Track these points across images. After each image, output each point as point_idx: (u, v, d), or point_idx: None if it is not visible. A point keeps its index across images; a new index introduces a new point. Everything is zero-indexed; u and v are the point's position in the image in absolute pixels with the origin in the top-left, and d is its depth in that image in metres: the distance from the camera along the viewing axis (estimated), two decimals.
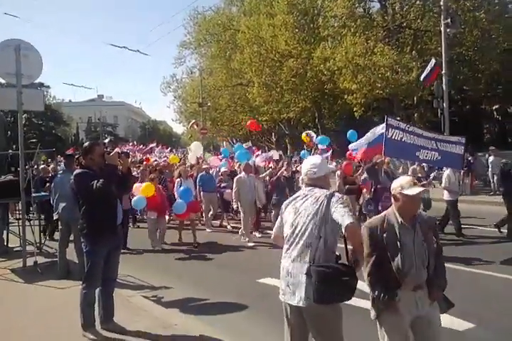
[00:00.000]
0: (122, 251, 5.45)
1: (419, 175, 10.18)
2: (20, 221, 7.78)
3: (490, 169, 15.03)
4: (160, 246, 8.52)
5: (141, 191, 8.29)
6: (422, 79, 16.15)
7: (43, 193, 8.17)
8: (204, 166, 11.10)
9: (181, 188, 8.75)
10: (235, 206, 9.47)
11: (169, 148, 26.04)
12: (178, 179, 9.30)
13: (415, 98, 22.65)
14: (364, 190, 9.14)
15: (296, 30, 22.30)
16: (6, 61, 6.66)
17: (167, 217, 9.96)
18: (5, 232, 8.22)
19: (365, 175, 8.76)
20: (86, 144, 4.59)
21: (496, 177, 14.30)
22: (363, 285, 2.93)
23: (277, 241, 3.31)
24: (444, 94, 16.28)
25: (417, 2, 20.82)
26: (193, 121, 31.28)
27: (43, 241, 8.20)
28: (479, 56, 21.38)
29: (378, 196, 7.54)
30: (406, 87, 19.29)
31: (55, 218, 7.46)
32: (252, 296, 5.59)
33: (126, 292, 5.84)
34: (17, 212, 10.11)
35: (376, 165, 7.99)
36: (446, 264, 3.02)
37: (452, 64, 20.71)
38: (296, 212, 3.03)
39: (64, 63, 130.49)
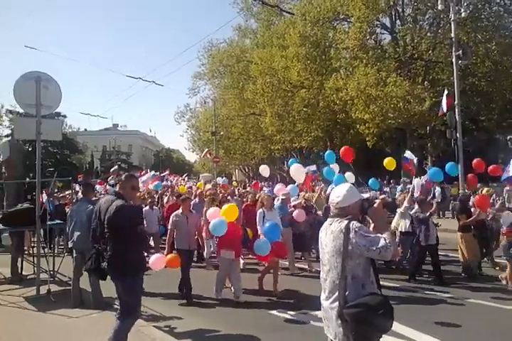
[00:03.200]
0: None
1: None
2: (34, 249, 7.81)
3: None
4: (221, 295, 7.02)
5: (224, 212, 6.83)
6: (443, 112, 16.19)
7: (57, 221, 8.23)
8: (281, 196, 8.98)
9: (267, 224, 6.98)
10: None
11: (185, 175, 26.17)
12: (261, 210, 7.67)
13: (428, 128, 22.67)
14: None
15: (308, 61, 22.72)
16: (26, 92, 6.88)
17: (241, 261, 8.55)
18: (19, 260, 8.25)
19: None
20: (125, 174, 4.54)
21: None
22: None
23: None
24: (457, 124, 16.28)
25: (428, 34, 21.21)
26: (206, 150, 31.68)
27: (56, 269, 8.18)
28: (492, 86, 21.46)
29: None
30: (419, 117, 19.35)
31: (69, 246, 7.49)
32: (264, 328, 5.48)
33: (138, 322, 5.74)
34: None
35: None
36: None
37: (465, 94, 20.84)
38: (322, 246, 2.98)
39: (80, 93, 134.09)
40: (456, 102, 16.43)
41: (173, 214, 7.26)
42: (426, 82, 20.81)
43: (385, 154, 26.75)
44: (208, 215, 7.44)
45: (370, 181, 11.15)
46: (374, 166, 11.44)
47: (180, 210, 7.25)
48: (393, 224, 8.55)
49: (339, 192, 2.98)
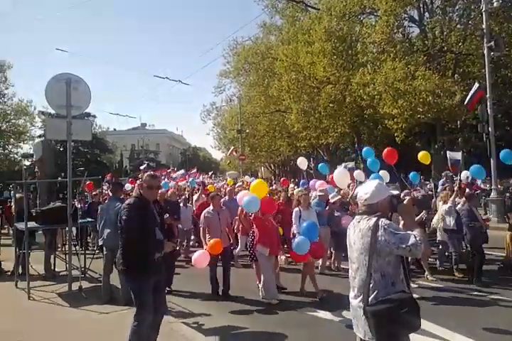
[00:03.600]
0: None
1: None
2: (66, 246, 8.02)
3: None
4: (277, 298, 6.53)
5: (252, 189, 6.87)
6: (465, 104, 15.78)
7: (88, 219, 8.42)
8: (319, 193, 8.81)
9: (305, 223, 6.65)
10: None
11: (211, 173, 26.37)
12: (297, 209, 7.31)
13: (459, 122, 22.06)
14: None
15: (334, 56, 22.42)
16: (57, 94, 7.05)
17: (283, 257, 8.59)
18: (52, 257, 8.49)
19: None
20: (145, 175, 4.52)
21: None
22: None
23: None
24: (489, 117, 15.78)
25: (458, 26, 20.60)
26: (232, 147, 31.80)
27: (87, 266, 8.38)
28: None
29: None
30: (449, 111, 18.83)
31: (100, 244, 7.64)
32: (291, 326, 5.45)
33: (167, 318, 5.82)
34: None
35: None
36: None
37: (497, 87, 20.16)
38: (350, 244, 2.94)
39: (109, 93, 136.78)
40: (488, 95, 15.91)
41: (204, 212, 7.30)
42: (456, 75, 20.25)
43: (414, 149, 26.31)
44: (238, 198, 7.53)
45: (412, 174, 10.99)
46: (403, 162, 11.20)
47: (211, 207, 7.28)
48: (434, 221, 8.23)
49: (367, 189, 2.92)
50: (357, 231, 2.83)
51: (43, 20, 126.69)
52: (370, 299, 2.69)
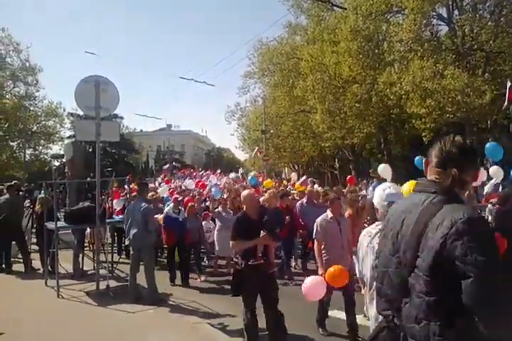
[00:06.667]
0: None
1: None
2: (94, 245, 8.15)
3: None
4: None
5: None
6: (505, 104, 15.25)
7: (116, 219, 8.55)
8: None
9: None
10: None
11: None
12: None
13: (489, 122, 21.46)
14: None
15: (360, 56, 22.14)
16: (86, 95, 7.17)
17: None
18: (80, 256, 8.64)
19: None
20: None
21: None
22: None
23: (360, 283, 3.09)
24: None
25: (489, 23, 20.03)
26: (257, 148, 31.78)
27: (115, 266, 8.51)
28: None
29: None
30: (479, 110, 18.33)
31: (126, 243, 7.75)
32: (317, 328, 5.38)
33: (193, 319, 5.87)
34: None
35: None
36: None
37: None
38: (375, 253, 2.69)
39: (136, 95, 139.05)
40: None
41: (319, 219, 5.53)
42: (486, 74, 19.66)
43: None
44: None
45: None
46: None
47: (328, 213, 5.56)
48: None
49: (393, 194, 2.92)
50: None
51: (63, 20, 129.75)
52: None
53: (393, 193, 2.87)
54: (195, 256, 8.96)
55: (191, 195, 11.93)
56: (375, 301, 2.73)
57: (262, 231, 4.55)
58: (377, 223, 2.86)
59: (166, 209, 8.94)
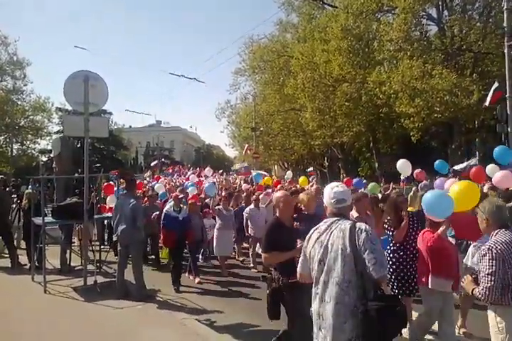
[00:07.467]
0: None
1: None
2: (81, 241, 8.11)
3: None
4: None
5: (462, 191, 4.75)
6: (486, 103, 15.46)
7: (105, 215, 8.51)
8: None
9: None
10: None
11: (221, 171, 26.42)
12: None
13: (476, 122, 21.72)
14: None
15: (351, 54, 22.22)
16: (75, 91, 7.10)
17: None
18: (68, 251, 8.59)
19: None
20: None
21: None
22: None
23: (304, 279, 3.06)
24: (508, 117, 15.48)
25: (478, 24, 20.25)
26: (246, 146, 31.80)
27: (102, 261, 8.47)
28: None
29: None
30: (466, 110, 18.53)
31: (114, 239, 7.72)
32: None
33: (180, 315, 5.89)
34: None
35: None
36: None
37: None
38: (323, 247, 2.82)
39: (124, 91, 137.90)
40: (507, 95, 15.57)
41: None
42: (475, 74, 19.84)
43: (430, 149, 26.00)
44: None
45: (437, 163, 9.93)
46: (418, 162, 11.02)
47: (353, 212, 5.27)
48: None
49: (342, 191, 2.96)
50: (337, 231, 2.86)
51: (62, 19, 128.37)
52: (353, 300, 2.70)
53: (341, 191, 2.93)
54: (193, 256, 8.24)
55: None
56: (318, 295, 2.81)
57: (298, 241, 3.89)
58: (325, 220, 2.95)
59: (167, 207, 8.29)
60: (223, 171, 28.19)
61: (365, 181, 13.84)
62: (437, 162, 9.64)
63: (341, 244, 2.69)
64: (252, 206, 9.24)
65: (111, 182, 12.03)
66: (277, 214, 4.17)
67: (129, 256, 6.89)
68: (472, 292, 3.13)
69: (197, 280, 7.88)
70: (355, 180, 11.99)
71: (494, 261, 2.94)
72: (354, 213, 5.22)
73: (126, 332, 5.16)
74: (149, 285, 7.04)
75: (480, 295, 3.02)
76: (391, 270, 4.89)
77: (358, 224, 2.76)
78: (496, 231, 3.13)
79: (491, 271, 2.94)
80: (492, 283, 2.93)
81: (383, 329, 2.54)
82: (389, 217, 5.15)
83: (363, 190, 9.77)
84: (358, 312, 2.58)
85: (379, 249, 2.68)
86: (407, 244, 4.95)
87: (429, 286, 4.38)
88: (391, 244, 5.07)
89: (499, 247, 2.97)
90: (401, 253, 4.93)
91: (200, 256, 9.39)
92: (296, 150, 34.04)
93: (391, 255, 4.99)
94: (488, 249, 3.01)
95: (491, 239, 3.11)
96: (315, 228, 2.96)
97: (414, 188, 9.62)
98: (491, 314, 3.11)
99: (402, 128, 21.84)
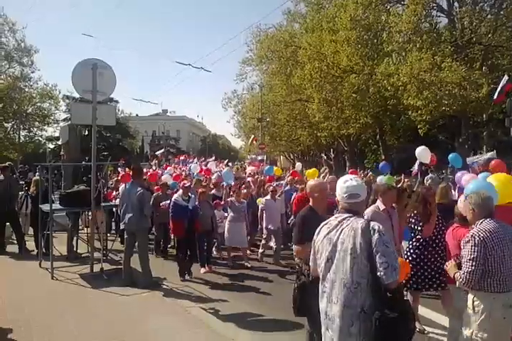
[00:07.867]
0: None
1: None
2: (88, 228, 8.20)
3: None
4: None
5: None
6: (494, 97, 15.33)
7: (111, 203, 8.58)
8: None
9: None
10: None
11: (226, 161, 26.41)
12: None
13: (485, 116, 21.54)
14: None
15: (359, 45, 22.01)
16: (83, 79, 7.13)
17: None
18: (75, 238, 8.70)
19: None
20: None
21: None
22: None
23: (316, 274, 2.90)
24: None
25: (489, 16, 19.97)
26: (253, 136, 31.77)
27: (109, 248, 8.58)
28: None
29: None
30: (475, 104, 18.38)
31: (121, 227, 7.80)
32: None
33: (186, 303, 5.97)
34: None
35: None
36: None
37: None
38: (332, 245, 2.69)
39: (131, 79, 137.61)
40: None
41: (368, 211, 4.92)
42: (484, 68, 19.64)
43: (437, 142, 25.84)
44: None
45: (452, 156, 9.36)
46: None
47: (379, 205, 5.10)
48: None
49: (356, 185, 2.79)
50: (347, 229, 2.76)
51: (70, 6, 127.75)
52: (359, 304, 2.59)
53: (354, 185, 2.74)
54: (206, 246, 8.16)
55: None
56: (326, 294, 2.72)
57: None
58: (336, 215, 2.81)
59: (175, 196, 8.09)
60: (228, 161, 28.23)
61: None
62: (451, 155, 9.41)
63: (351, 244, 2.56)
64: (268, 197, 9.09)
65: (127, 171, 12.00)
66: (310, 204, 3.98)
67: (135, 243, 6.97)
68: (454, 276, 3.29)
69: (203, 270, 7.86)
70: (381, 164, 11.70)
71: (476, 248, 3.09)
72: (380, 205, 5.04)
73: (131, 319, 5.25)
74: (156, 273, 7.14)
75: (461, 279, 3.16)
76: (414, 263, 4.82)
77: (371, 224, 2.59)
78: (481, 221, 3.26)
79: (472, 256, 3.10)
80: (473, 267, 3.08)
81: (395, 337, 2.48)
82: (415, 211, 5.05)
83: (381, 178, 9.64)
84: (367, 317, 2.49)
85: (392, 251, 2.53)
86: (430, 239, 4.90)
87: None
88: (414, 239, 5.00)
89: (482, 235, 3.12)
90: (427, 248, 4.88)
91: (214, 248, 9.19)
92: (302, 142, 33.95)
93: (413, 250, 4.95)
94: (472, 236, 3.16)
95: (476, 227, 3.24)
96: (325, 222, 2.82)
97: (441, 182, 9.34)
98: (470, 297, 3.24)
99: (410, 121, 21.72)
